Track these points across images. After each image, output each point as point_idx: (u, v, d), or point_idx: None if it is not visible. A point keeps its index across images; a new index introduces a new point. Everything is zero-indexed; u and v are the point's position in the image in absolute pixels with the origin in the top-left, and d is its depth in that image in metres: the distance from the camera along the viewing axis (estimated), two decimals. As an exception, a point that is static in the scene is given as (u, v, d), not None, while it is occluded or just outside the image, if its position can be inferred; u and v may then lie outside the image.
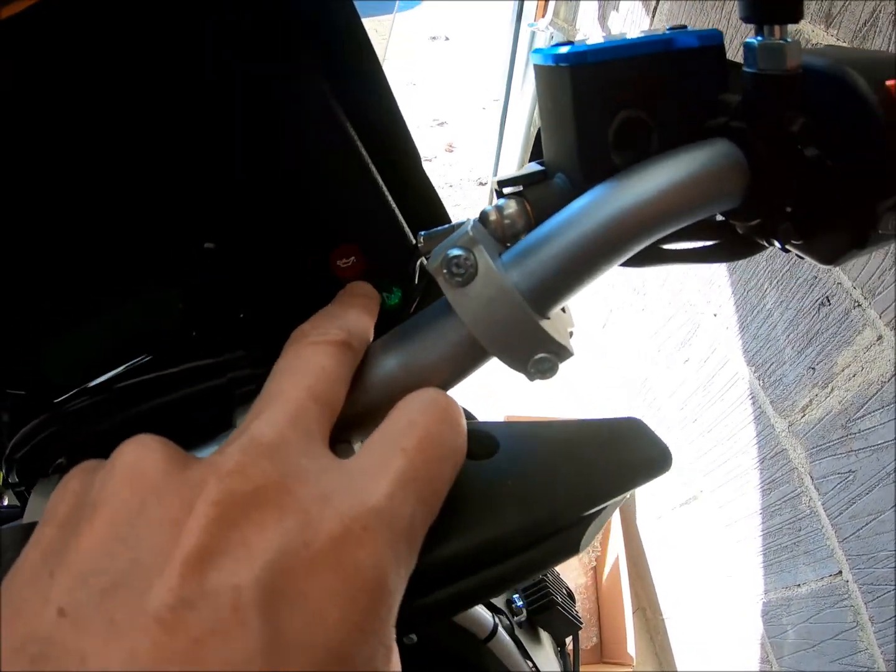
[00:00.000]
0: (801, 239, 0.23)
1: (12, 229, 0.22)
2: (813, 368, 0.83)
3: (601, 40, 0.21)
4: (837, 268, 0.76)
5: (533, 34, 1.68)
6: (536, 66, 0.23)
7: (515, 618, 0.53)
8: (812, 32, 0.72)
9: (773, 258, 0.87)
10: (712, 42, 0.22)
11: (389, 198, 0.26)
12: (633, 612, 1.17)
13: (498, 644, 0.43)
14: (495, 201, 0.23)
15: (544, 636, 0.60)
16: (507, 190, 0.24)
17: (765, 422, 0.94)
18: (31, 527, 0.17)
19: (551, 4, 1.63)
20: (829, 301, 0.79)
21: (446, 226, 0.24)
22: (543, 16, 1.73)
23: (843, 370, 0.77)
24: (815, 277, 0.80)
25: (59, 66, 0.19)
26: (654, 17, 1.09)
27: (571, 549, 0.22)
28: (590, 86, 0.21)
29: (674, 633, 1.27)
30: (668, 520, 1.27)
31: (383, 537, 0.15)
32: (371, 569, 0.15)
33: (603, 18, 1.28)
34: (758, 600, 0.98)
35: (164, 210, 0.24)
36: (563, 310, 0.24)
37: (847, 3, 0.66)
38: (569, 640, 0.67)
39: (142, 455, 0.16)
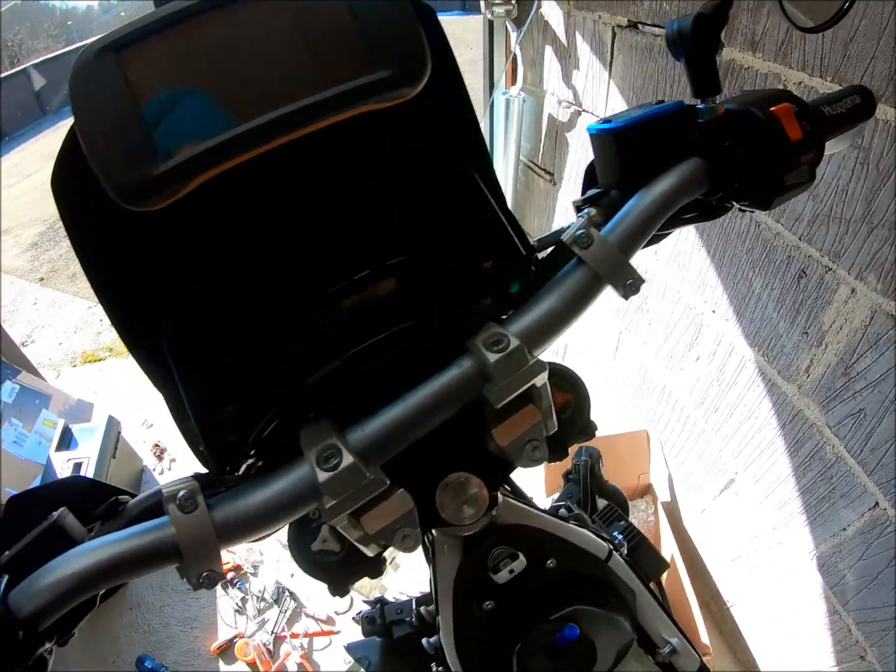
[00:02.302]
0: (746, 200, 0.45)
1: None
2: (806, 333, 0.99)
3: (625, 115, 0.43)
4: (806, 243, 0.95)
5: (508, 101, 1.84)
6: (592, 134, 0.44)
7: (618, 550, 0.62)
8: (743, 58, 0.97)
9: (752, 250, 1.07)
10: (680, 106, 0.43)
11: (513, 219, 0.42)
12: (699, 608, 1.21)
13: (615, 563, 0.51)
14: (584, 210, 0.43)
15: None
16: (581, 204, 0.44)
17: (777, 391, 1.08)
18: None
19: (519, 72, 1.84)
20: (805, 273, 0.97)
21: (553, 231, 0.42)
22: (514, 83, 1.89)
23: (830, 326, 0.94)
24: (790, 257, 0.99)
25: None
26: (610, 69, 1.36)
27: None
28: (624, 138, 0.41)
29: (741, 619, 1.29)
30: (711, 510, 1.34)
31: None
32: None
33: (566, 77, 1.55)
34: (811, 557, 1.05)
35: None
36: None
37: (766, 29, 0.91)
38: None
39: None
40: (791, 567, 1.11)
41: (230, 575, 1.68)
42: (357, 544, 0.34)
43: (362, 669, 0.69)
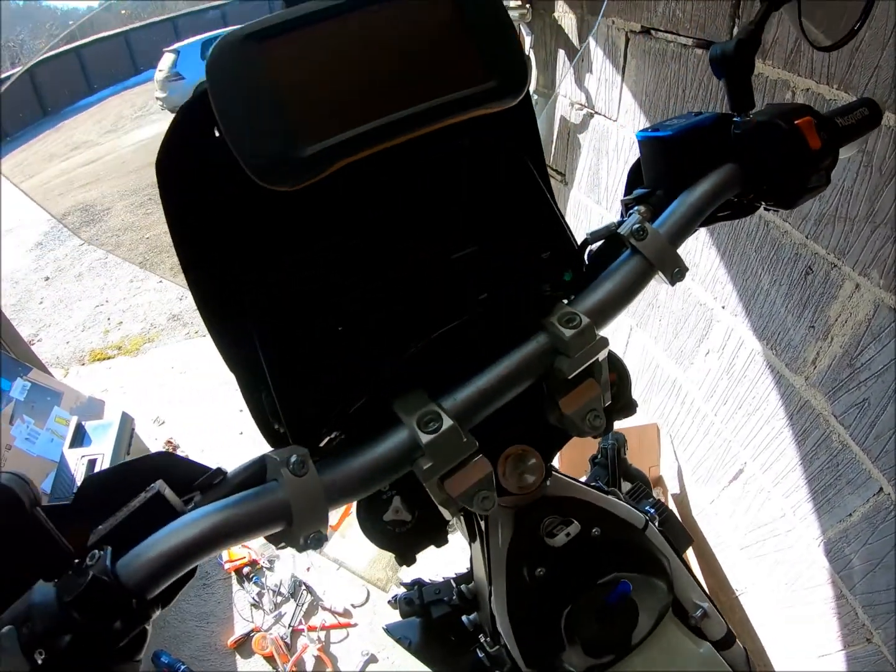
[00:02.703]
0: (773, 200, 0.51)
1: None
2: (812, 326, 1.04)
3: (669, 124, 0.49)
4: (813, 241, 1.00)
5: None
6: (641, 140, 0.50)
7: (652, 522, 0.65)
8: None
9: (761, 248, 1.12)
10: (718, 118, 0.49)
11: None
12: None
13: (651, 533, 0.55)
14: (634, 207, 0.48)
15: None
16: (630, 202, 0.50)
17: (784, 383, 1.13)
18: None
19: (532, 74, 1.89)
20: (811, 270, 1.02)
21: (605, 225, 0.47)
22: (527, 86, 2.05)
23: (836, 320, 0.99)
24: (797, 254, 1.04)
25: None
26: (623, 73, 1.41)
27: None
28: (671, 145, 0.47)
29: (750, 607, 1.33)
30: (720, 501, 1.39)
31: None
32: None
33: (579, 80, 1.60)
34: (818, 543, 1.09)
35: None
36: None
37: (776, 38, 0.96)
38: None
39: None
40: (799, 554, 1.15)
41: (246, 570, 1.70)
42: (440, 507, 0.38)
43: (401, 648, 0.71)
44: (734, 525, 1.36)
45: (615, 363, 0.49)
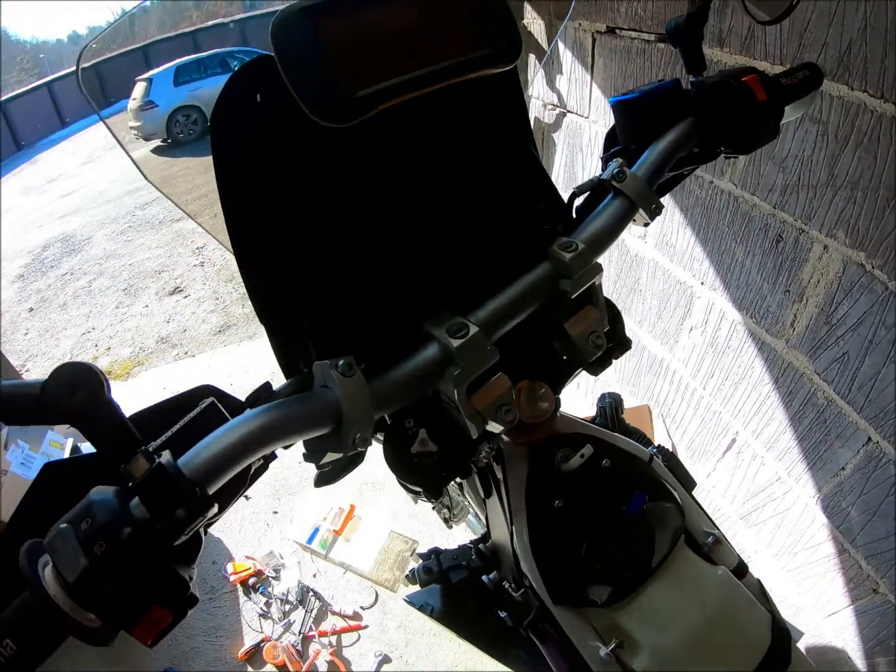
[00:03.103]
0: (730, 148, 0.57)
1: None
2: (788, 291, 1.10)
3: (636, 90, 0.57)
4: (780, 210, 1.06)
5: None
6: (614, 104, 0.57)
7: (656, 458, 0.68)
8: (713, 53, 1.10)
9: (732, 223, 1.18)
10: (676, 81, 0.57)
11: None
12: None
13: (657, 465, 0.59)
14: (613, 160, 0.54)
15: None
16: (608, 157, 0.56)
17: (767, 349, 1.18)
18: None
19: None
20: (781, 237, 1.08)
21: (589, 179, 0.53)
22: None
23: (809, 282, 1.04)
24: (766, 224, 1.10)
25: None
26: (592, 71, 1.49)
27: None
28: (638, 105, 0.55)
29: (755, 575, 1.35)
30: (716, 473, 1.42)
31: None
32: None
33: (551, 82, 1.69)
34: (816, 501, 1.13)
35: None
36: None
37: (731, 26, 1.04)
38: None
39: None
40: (798, 514, 1.19)
41: (252, 580, 1.69)
42: (468, 421, 0.42)
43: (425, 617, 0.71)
44: (732, 496, 1.40)
45: (609, 305, 0.54)
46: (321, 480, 0.48)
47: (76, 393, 0.30)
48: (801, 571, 1.24)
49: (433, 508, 1.31)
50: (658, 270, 1.45)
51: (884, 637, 1.07)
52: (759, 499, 1.30)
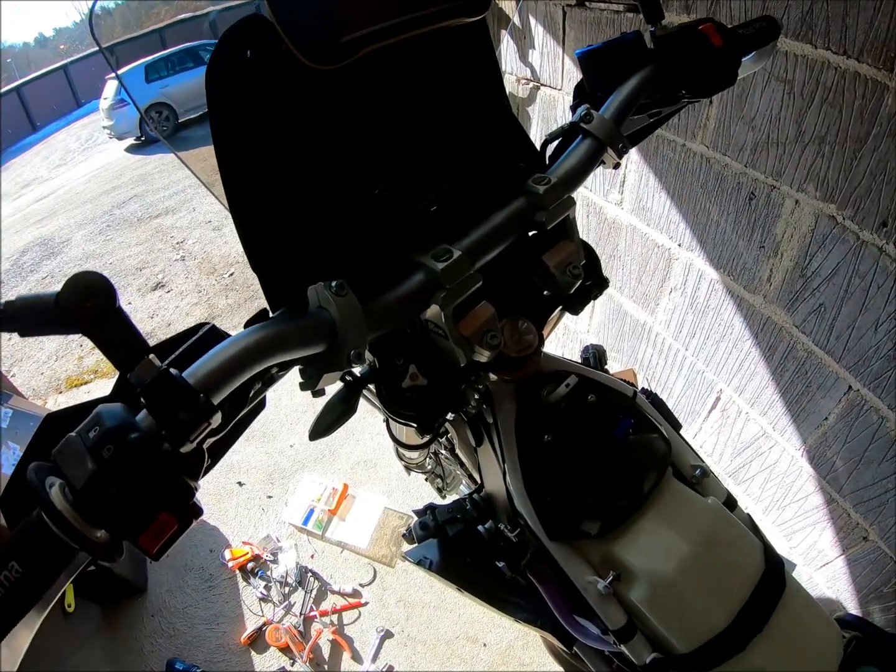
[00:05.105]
0: (690, 91, 0.59)
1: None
2: (763, 246, 1.12)
3: (601, 42, 0.58)
4: (752, 169, 1.08)
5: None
6: (580, 56, 0.59)
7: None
8: (679, 20, 1.10)
9: (706, 184, 1.19)
10: (637, 32, 0.59)
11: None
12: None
13: (640, 401, 0.60)
14: (581, 106, 0.55)
15: None
16: (576, 104, 0.58)
17: (746, 305, 1.20)
18: None
19: None
20: (754, 195, 1.10)
21: (560, 127, 0.55)
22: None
23: (782, 236, 1.06)
24: (739, 183, 1.12)
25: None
26: (564, 44, 1.50)
27: None
28: (601, 54, 0.57)
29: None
30: (703, 433, 1.45)
31: None
32: None
33: (524, 57, 1.69)
34: (801, 453, 1.16)
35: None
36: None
37: None
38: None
39: None
40: (785, 468, 1.22)
41: (250, 565, 1.70)
42: (456, 346, 0.44)
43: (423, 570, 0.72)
44: (719, 454, 1.43)
45: (587, 247, 0.55)
46: (316, 432, 0.49)
47: (89, 299, 0.31)
48: (791, 525, 1.27)
49: (426, 479, 1.33)
50: (636, 235, 1.47)
51: (876, 584, 1.09)
52: (746, 455, 1.34)
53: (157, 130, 7.42)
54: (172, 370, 0.32)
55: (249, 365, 0.35)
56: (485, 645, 1.44)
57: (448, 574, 0.68)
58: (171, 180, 5.50)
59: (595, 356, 0.81)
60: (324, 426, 0.49)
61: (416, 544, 0.72)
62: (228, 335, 0.38)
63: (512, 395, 0.54)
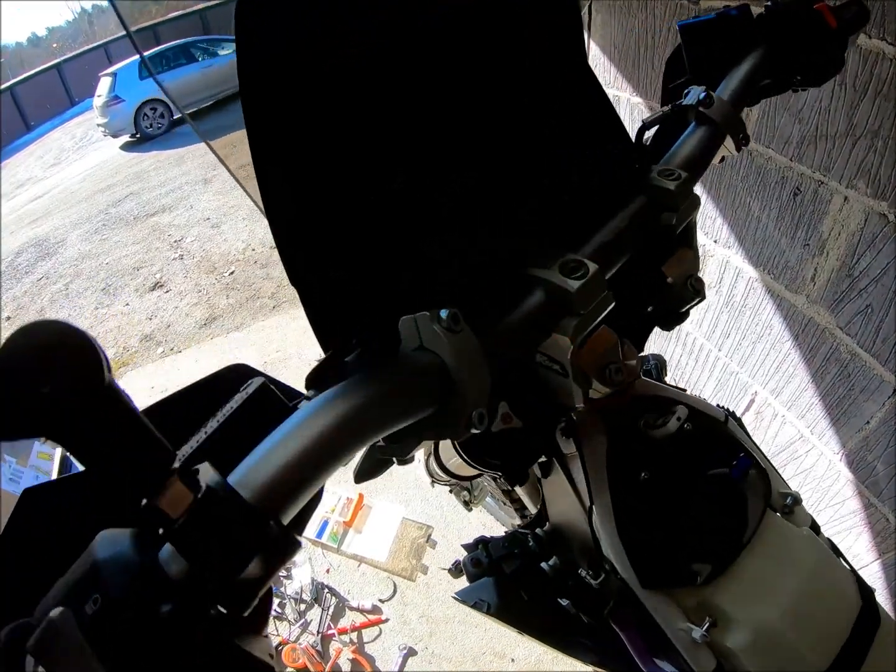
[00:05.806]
0: (803, 77, 0.54)
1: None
2: (807, 244, 1.07)
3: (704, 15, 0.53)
4: (797, 163, 1.02)
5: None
6: (683, 26, 0.52)
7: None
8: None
9: (747, 177, 1.14)
10: (746, 8, 0.53)
11: None
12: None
13: (733, 427, 0.53)
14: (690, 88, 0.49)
15: None
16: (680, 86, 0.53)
17: (786, 305, 1.15)
18: None
19: None
20: (799, 190, 1.05)
21: (659, 111, 0.48)
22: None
23: (829, 234, 1.01)
24: (783, 177, 1.06)
25: None
26: (590, 30, 1.43)
27: None
28: (711, 26, 0.51)
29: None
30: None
31: None
32: None
33: None
34: (840, 457, 1.12)
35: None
36: None
37: None
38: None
39: None
40: (822, 472, 1.18)
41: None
42: (574, 383, 0.36)
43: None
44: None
45: None
46: (362, 474, 0.40)
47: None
48: (826, 529, 1.22)
49: (450, 491, 1.27)
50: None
51: (914, 589, 1.07)
52: (780, 458, 1.29)
53: (151, 127, 7.29)
54: (213, 478, 0.20)
55: (337, 458, 0.24)
56: (513, 660, 1.39)
57: (508, 617, 0.60)
58: (167, 177, 5.40)
59: (657, 368, 0.75)
60: (375, 465, 0.40)
61: (468, 583, 0.63)
62: (289, 391, 0.27)
63: (601, 425, 0.46)
